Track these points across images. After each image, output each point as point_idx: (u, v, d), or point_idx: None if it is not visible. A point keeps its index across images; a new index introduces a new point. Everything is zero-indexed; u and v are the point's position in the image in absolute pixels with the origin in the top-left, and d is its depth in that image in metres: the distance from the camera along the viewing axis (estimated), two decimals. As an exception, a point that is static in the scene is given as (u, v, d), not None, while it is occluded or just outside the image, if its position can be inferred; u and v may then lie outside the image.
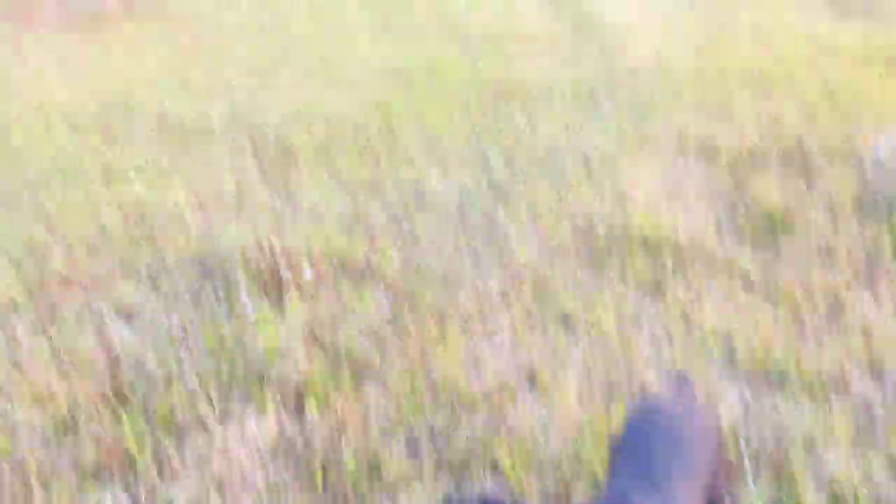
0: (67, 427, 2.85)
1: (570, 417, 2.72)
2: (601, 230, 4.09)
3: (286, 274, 3.63)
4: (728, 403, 2.75)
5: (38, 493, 2.52)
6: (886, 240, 3.77)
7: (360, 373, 3.08)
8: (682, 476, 1.70)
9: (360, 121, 6.17)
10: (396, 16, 10.34)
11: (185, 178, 5.25)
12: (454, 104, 6.51)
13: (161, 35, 10.00)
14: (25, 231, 4.47)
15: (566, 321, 3.36)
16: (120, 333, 3.40)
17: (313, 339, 3.30)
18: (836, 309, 3.34)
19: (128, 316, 3.61)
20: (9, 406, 2.94)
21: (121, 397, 2.98)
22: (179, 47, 9.26)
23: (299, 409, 2.88)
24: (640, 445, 1.78)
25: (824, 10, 9.55)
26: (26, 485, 2.57)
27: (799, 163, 4.79)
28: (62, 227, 4.52)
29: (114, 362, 3.18)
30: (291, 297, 3.53)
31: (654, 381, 2.91)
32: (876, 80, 6.50)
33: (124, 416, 2.82)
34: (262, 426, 2.78)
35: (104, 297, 3.74)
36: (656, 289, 3.57)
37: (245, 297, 3.51)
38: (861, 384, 2.83)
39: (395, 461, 2.57)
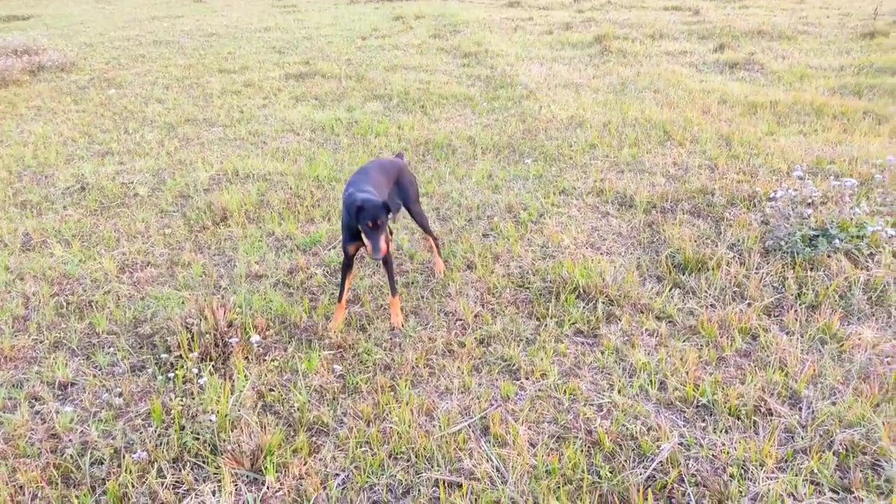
0: (10, 513, 2.71)
1: (524, 462, 2.84)
2: (535, 281, 4.30)
3: (231, 339, 3.61)
4: (667, 436, 2.94)
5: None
6: (791, 279, 4.15)
7: (316, 434, 3.10)
8: (376, 179, 4.03)
9: (289, 180, 6.24)
10: (310, 81, 10.53)
11: (110, 244, 5.13)
12: (381, 162, 6.68)
13: (72, 97, 9.76)
14: (-60, 308, 4.24)
15: (510, 370, 3.51)
16: (56, 408, 3.26)
17: (264, 404, 3.29)
18: (751, 342, 3.66)
19: (63, 390, 3.47)
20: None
21: (67, 478, 2.86)
22: (91, 109, 9.07)
23: (255, 476, 2.86)
24: (359, 173, 4.09)
25: (714, 67, 10.49)
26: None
27: (706, 210, 5.23)
28: (-19, 302, 4.32)
29: (53, 440, 3.06)
30: (238, 363, 3.51)
31: (600, 422, 3.09)
32: (765, 129, 7.19)
33: (74, 498, 2.71)
34: (218, 497, 2.74)
35: (35, 373, 3.59)
36: (592, 334, 3.79)
37: (191, 366, 3.46)
38: (781, 410, 3.10)
39: (359, 520, 2.60)
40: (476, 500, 2.68)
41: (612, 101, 8.53)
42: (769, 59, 10.82)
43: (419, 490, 2.75)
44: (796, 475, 2.72)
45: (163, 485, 2.79)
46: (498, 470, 2.82)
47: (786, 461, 2.82)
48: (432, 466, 2.87)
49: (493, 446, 2.97)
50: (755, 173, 5.94)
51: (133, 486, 2.78)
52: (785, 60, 10.75)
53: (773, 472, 2.75)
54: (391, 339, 3.82)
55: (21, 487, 2.80)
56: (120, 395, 3.36)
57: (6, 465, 2.91)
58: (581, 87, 9.40)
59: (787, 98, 8.34)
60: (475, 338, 3.77)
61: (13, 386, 3.50)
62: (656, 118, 7.59)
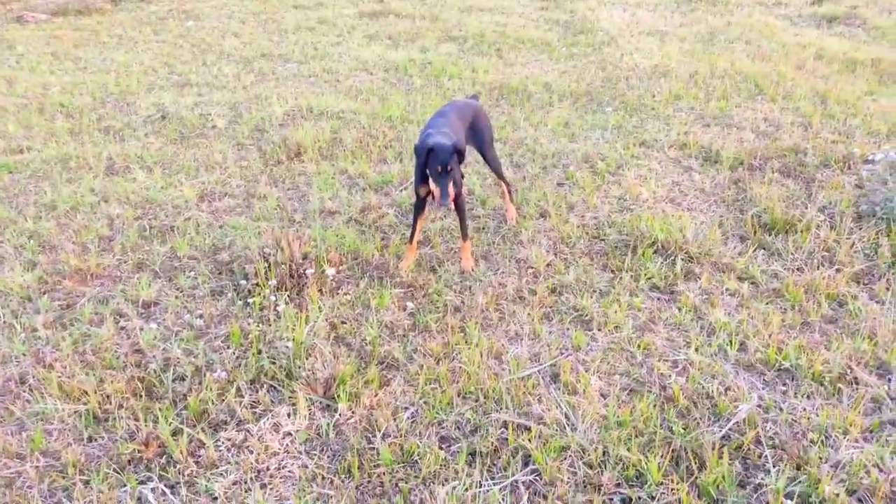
0: (100, 421, 2.86)
1: (594, 411, 2.81)
2: (611, 234, 4.19)
3: (307, 271, 3.66)
4: (745, 398, 2.85)
5: (77, 486, 2.54)
6: (885, 247, 3.92)
7: (386, 368, 3.14)
8: (454, 122, 3.95)
9: (362, 119, 6.22)
10: (383, 19, 10.38)
11: (190, 173, 5.25)
12: (454, 104, 6.57)
13: (152, 27, 9.92)
14: (33, 225, 4.44)
15: (582, 320, 3.46)
16: (140, 325, 3.40)
17: (337, 335, 3.34)
18: (838, 309, 3.49)
19: (146, 309, 3.61)
20: (38, 400, 2.94)
21: (150, 391, 3.00)
22: (170, 40, 9.21)
23: (328, 403, 2.93)
24: (438, 115, 4.05)
25: (811, 21, 9.85)
26: (65, 478, 2.58)
27: (797, 170, 4.96)
28: (70, 220, 4.50)
29: (138, 354, 3.20)
30: (312, 294, 3.57)
31: (675, 378, 3.02)
32: (864, 88, 6.73)
33: (158, 410, 2.84)
34: (293, 419, 2.82)
35: (120, 291, 3.74)
36: (669, 290, 3.68)
37: (268, 294, 3.54)
38: (868, 380, 2.96)
39: (428, 453, 2.63)
40: (544, 444, 2.67)
41: (699, 52, 8.13)
42: (873, 13, 10.07)
43: (487, 430, 2.76)
44: (883, 446, 2.60)
45: (241, 404, 2.89)
46: (567, 417, 2.81)
47: (871, 431, 2.70)
48: (501, 408, 2.88)
49: (563, 394, 2.95)
50: (852, 134, 5.59)
51: (213, 403, 2.89)
52: (892, 15, 9.99)
53: (857, 442, 2.64)
54: (461, 281, 3.81)
55: (108, 396, 2.94)
56: (200, 316, 3.48)
57: (94, 375, 3.06)
58: (666, 36, 8.98)
59: (891, 56, 7.77)
60: (546, 286, 3.72)
61: (99, 302, 3.66)
62: (747, 71, 7.20)
